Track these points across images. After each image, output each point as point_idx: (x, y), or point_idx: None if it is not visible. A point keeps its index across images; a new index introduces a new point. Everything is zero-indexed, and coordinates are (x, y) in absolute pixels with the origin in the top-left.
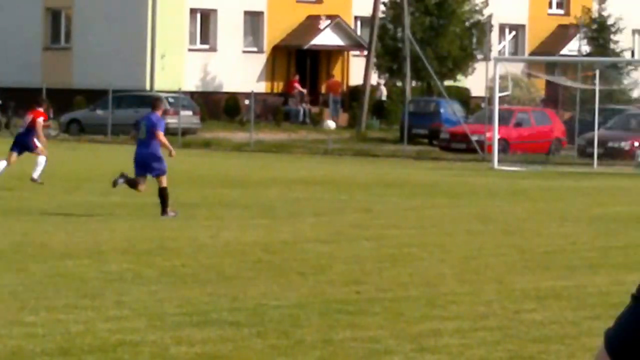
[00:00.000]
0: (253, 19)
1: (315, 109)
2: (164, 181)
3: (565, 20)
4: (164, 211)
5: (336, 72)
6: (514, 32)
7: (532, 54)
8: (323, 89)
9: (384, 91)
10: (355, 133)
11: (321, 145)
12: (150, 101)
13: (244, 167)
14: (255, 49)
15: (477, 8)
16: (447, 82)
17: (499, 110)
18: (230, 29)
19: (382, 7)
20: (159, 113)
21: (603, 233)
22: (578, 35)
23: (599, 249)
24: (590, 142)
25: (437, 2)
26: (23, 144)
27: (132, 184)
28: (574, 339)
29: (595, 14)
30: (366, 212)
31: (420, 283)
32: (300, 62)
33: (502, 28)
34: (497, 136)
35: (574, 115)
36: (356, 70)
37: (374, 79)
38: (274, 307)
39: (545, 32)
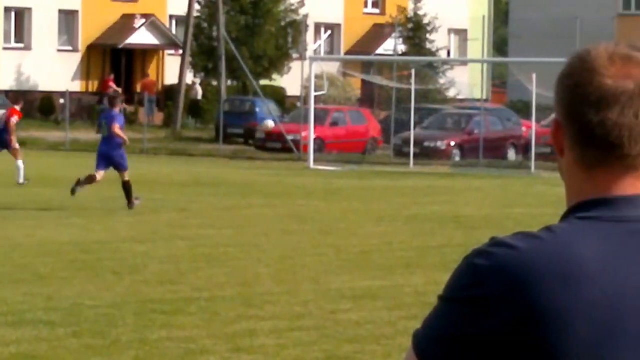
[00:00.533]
0: (68, 18)
1: (130, 108)
2: (127, 175)
3: (381, 20)
4: (130, 202)
5: (151, 71)
6: (329, 32)
7: (347, 53)
8: (138, 88)
9: (199, 90)
10: (170, 132)
11: (137, 144)
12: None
13: (59, 167)
14: (70, 48)
15: (292, 8)
16: (263, 82)
17: (315, 109)
18: (45, 28)
19: (197, 6)
20: (117, 110)
21: (419, 233)
22: (394, 35)
23: (415, 249)
24: (407, 142)
25: (252, 2)
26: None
27: (90, 180)
28: (390, 339)
29: (410, 14)
30: (182, 211)
31: (236, 283)
32: (115, 61)
33: (317, 27)
34: (312, 136)
35: (390, 114)
36: (171, 69)
37: (190, 78)
38: (89, 307)
39: (361, 32)
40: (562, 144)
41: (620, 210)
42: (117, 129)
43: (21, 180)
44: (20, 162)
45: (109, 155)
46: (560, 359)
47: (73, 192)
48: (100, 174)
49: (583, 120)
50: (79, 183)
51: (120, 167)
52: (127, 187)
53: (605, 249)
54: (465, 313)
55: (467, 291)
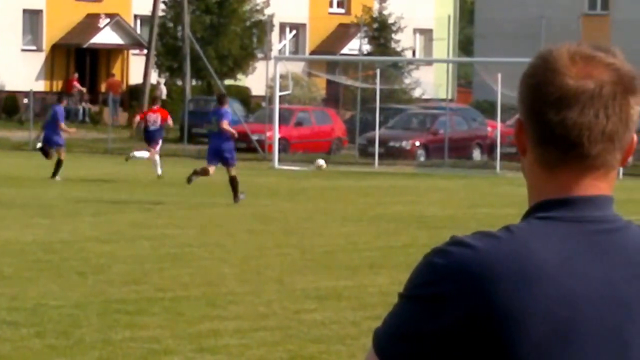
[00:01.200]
0: (32, 17)
1: (94, 108)
2: (233, 170)
3: (346, 20)
4: (235, 196)
5: (116, 70)
6: (294, 31)
7: (312, 53)
8: (103, 88)
9: (164, 90)
10: (135, 132)
11: (101, 144)
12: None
13: (23, 166)
14: (34, 48)
15: (258, 7)
16: (228, 81)
17: (280, 109)
18: (8, 27)
19: (162, 6)
20: (226, 106)
21: (384, 233)
22: (359, 35)
23: (379, 249)
24: (371, 142)
25: (217, 1)
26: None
27: (204, 172)
28: (355, 339)
29: (376, 13)
30: (146, 211)
31: (201, 283)
32: (79, 61)
33: (282, 27)
34: (277, 135)
35: (355, 114)
36: (136, 69)
37: (154, 77)
38: (53, 307)
39: (326, 31)
40: (524, 144)
41: (580, 210)
42: (226, 124)
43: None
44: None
45: (219, 149)
46: (514, 356)
47: (189, 181)
48: (212, 168)
49: (544, 119)
50: (195, 173)
51: (228, 162)
52: (233, 182)
53: (563, 249)
54: (422, 311)
55: (425, 289)
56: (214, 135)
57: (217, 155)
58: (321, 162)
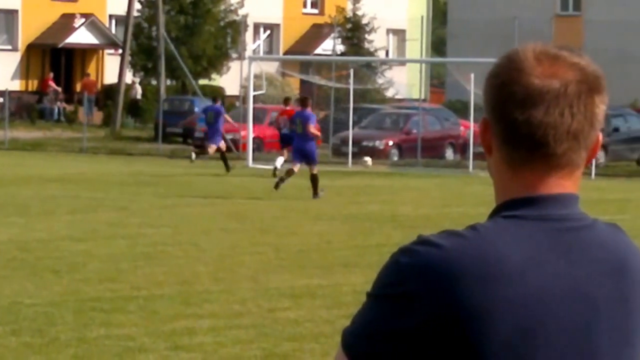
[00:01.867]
0: (7, 17)
1: (70, 107)
2: (315, 169)
3: (320, 20)
4: (315, 193)
5: (91, 70)
6: (268, 32)
7: (286, 53)
8: (78, 88)
9: (138, 90)
10: (110, 131)
11: (76, 143)
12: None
13: None
14: (9, 47)
15: (232, 8)
16: (202, 81)
17: (254, 109)
18: None
19: (137, 6)
20: (309, 109)
21: (358, 232)
22: (332, 35)
23: (353, 248)
24: (345, 141)
25: (192, 2)
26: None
27: (289, 173)
28: (329, 337)
29: (349, 14)
30: (121, 210)
31: (175, 281)
32: (55, 61)
33: (256, 27)
34: (251, 135)
35: (329, 114)
36: (111, 68)
37: (129, 77)
38: (28, 305)
39: (300, 32)
40: (490, 143)
41: (546, 208)
42: (312, 128)
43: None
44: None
45: (303, 149)
46: (481, 355)
47: (277, 186)
48: (296, 167)
49: (509, 119)
50: (282, 180)
51: (310, 161)
52: (314, 179)
53: (529, 247)
54: (390, 310)
55: (392, 288)
56: (299, 137)
57: (301, 155)
58: (368, 161)
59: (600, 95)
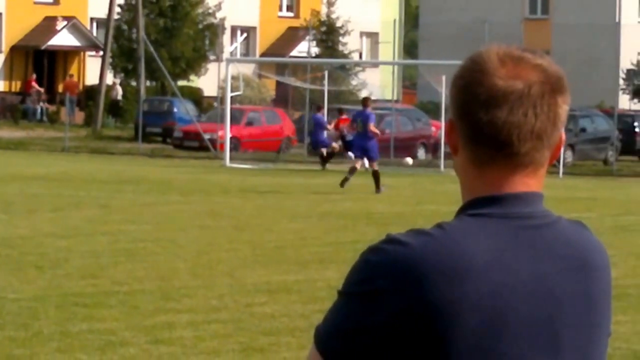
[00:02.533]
0: None
1: (52, 108)
2: (376, 165)
3: (295, 23)
4: (377, 188)
5: (73, 71)
6: (245, 34)
7: (263, 55)
8: (60, 88)
9: (119, 91)
10: (91, 131)
11: (58, 143)
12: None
13: None
14: None
15: (210, 11)
16: (181, 82)
17: (231, 109)
18: None
19: (117, 9)
20: (369, 109)
21: (333, 229)
22: (307, 37)
23: (329, 244)
24: None
25: (171, 5)
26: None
27: (352, 170)
28: (304, 332)
29: (324, 17)
30: (102, 207)
31: (155, 277)
32: (37, 62)
33: (234, 30)
34: (229, 135)
35: (304, 114)
36: (92, 70)
37: (110, 78)
38: (12, 300)
39: (276, 34)
40: (456, 143)
41: (510, 206)
42: (372, 126)
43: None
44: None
45: (364, 146)
46: (448, 350)
47: (342, 185)
48: (359, 163)
49: (474, 119)
50: (346, 179)
51: (371, 158)
52: (376, 175)
53: (494, 244)
54: (359, 307)
55: (361, 286)
56: (359, 135)
57: (362, 152)
58: (409, 160)
59: (562, 96)
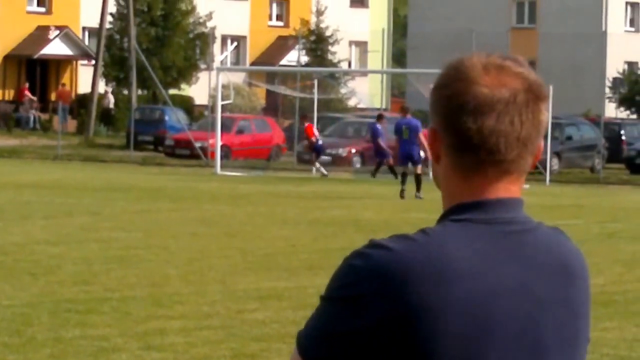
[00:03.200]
0: None
1: (45, 116)
2: (419, 169)
3: (285, 32)
4: (418, 190)
5: (65, 80)
6: (235, 43)
7: (253, 64)
8: (53, 97)
9: (111, 99)
10: (83, 139)
11: (51, 150)
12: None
13: None
14: None
15: (201, 20)
16: (172, 91)
17: (222, 118)
18: None
19: (109, 18)
20: (409, 116)
21: (322, 236)
22: (297, 46)
23: (318, 251)
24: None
25: (162, 14)
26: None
27: (404, 176)
28: (295, 338)
29: (313, 26)
30: (94, 215)
31: (147, 284)
32: (30, 71)
33: (224, 39)
34: (219, 143)
35: (294, 123)
36: (84, 78)
37: (102, 87)
38: (5, 307)
39: (266, 43)
40: (438, 151)
41: (493, 212)
42: (422, 136)
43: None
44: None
45: (409, 152)
46: (431, 355)
47: (402, 195)
48: (409, 170)
49: (462, 128)
50: (403, 190)
51: (415, 162)
52: (418, 179)
53: (477, 249)
54: (343, 311)
55: (345, 290)
56: (405, 142)
57: (407, 158)
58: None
59: (544, 103)
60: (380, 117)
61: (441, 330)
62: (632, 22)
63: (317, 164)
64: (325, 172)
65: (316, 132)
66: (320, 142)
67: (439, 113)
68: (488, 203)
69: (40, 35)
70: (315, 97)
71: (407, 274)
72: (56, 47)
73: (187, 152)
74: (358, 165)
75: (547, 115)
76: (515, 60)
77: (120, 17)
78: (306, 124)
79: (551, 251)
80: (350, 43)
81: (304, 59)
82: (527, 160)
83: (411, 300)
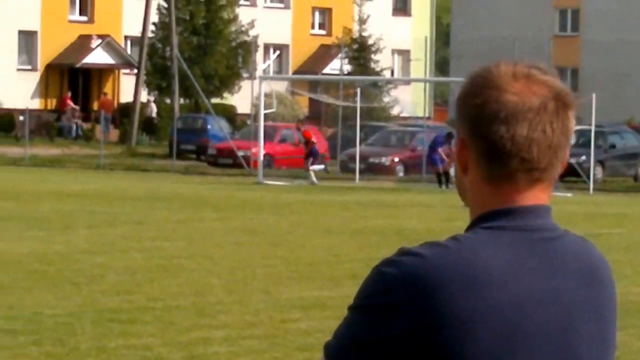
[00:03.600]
0: (27, 38)
1: (87, 125)
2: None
3: (327, 41)
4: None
5: (107, 89)
6: (278, 52)
7: (295, 72)
8: (95, 106)
9: (153, 108)
10: (126, 148)
11: (93, 160)
12: None
13: (19, 181)
14: (29, 67)
15: (243, 29)
16: (214, 100)
17: (264, 126)
18: (4, 48)
19: (151, 27)
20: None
21: (365, 245)
22: (339, 55)
23: (361, 260)
24: (352, 158)
25: (204, 23)
26: None
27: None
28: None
29: (356, 35)
30: (137, 224)
31: (190, 293)
32: (72, 80)
33: (266, 48)
34: (262, 152)
35: (337, 131)
36: (127, 87)
37: (144, 96)
38: (49, 316)
39: (308, 52)
40: (466, 161)
41: (523, 219)
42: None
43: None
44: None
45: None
46: None
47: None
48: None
49: (493, 136)
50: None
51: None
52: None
53: (508, 256)
54: (374, 320)
55: (376, 298)
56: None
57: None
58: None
59: (572, 111)
60: (449, 135)
61: (472, 338)
62: None
63: (312, 170)
64: (315, 180)
65: (314, 138)
66: (316, 146)
67: (468, 122)
68: (519, 210)
69: (83, 44)
70: (358, 105)
71: (439, 282)
72: (98, 56)
73: (230, 161)
74: (401, 174)
75: (574, 123)
76: (540, 69)
77: (163, 25)
78: (303, 129)
79: (579, 259)
80: (393, 51)
81: (347, 67)
82: (557, 168)
83: (442, 308)
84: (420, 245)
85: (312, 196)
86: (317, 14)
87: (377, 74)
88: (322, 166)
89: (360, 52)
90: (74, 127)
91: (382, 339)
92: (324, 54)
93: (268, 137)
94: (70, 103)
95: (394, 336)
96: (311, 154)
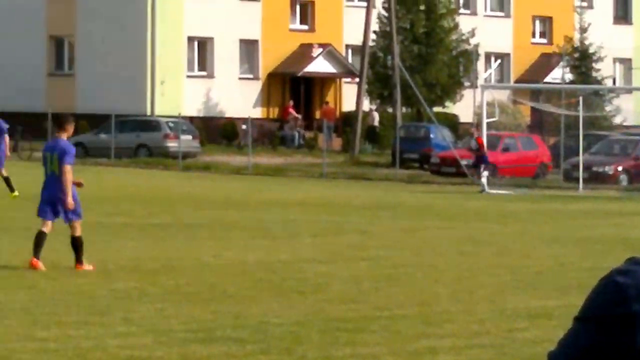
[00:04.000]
0: (248, 47)
1: (309, 134)
2: None
3: (548, 49)
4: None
5: (329, 98)
6: (499, 61)
7: (517, 81)
8: (317, 115)
9: (375, 117)
10: (348, 157)
11: (316, 168)
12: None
13: (243, 190)
14: (251, 76)
15: (463, 37)
16: (436, 109)
17: (487, 135)
18: (226, 57)
19: (372, 36)
20: None
21: (590, 254)
22: (561, 64)
23: (586, 270)
24: (575, 167)
25: (425, 32)
26: None
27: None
28: None
29: (577, 43)
30: (362, 233)
31: (416, 302)
32: (294, 89)
33: (487, 56)
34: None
35: (559, 140)
36: (348, 96)
37: (366, 105)
38: (275, 325)
39: (529, 61)
40: None
41: None
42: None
43: None
44: None
45: None
46: None
47: None
48: None
49: None
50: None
51: None
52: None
53: None
54: (609, 331)
55: (612, 309)
56: None
57: None
58: None
59: None
60: None
61: None
62: None
63: (483, 177)
64: (487, 188)
65: (485, 147)
66: (487, 155)
67: None
68: None
69: (304, 53)
70: (581, 114)
71: None
72: (320, 65)
73: (453, 170)
74: (625, 183)
75: None
76: None
77: (383, 34)
78: (476, 137)
79: None
80: (614, 60)
81: (568, 76)
82: None
83: None
84: None
85: (536, 205)
86: (537, 22)
87: (599, 82)
88: (486, 173)
89: (582, 60)
90: (297, 136)
91: (616, 351)
92: (545, 63)
93: (491, 146)
94: (293, 112)
95: (630, 349)
96: (481, 162)
